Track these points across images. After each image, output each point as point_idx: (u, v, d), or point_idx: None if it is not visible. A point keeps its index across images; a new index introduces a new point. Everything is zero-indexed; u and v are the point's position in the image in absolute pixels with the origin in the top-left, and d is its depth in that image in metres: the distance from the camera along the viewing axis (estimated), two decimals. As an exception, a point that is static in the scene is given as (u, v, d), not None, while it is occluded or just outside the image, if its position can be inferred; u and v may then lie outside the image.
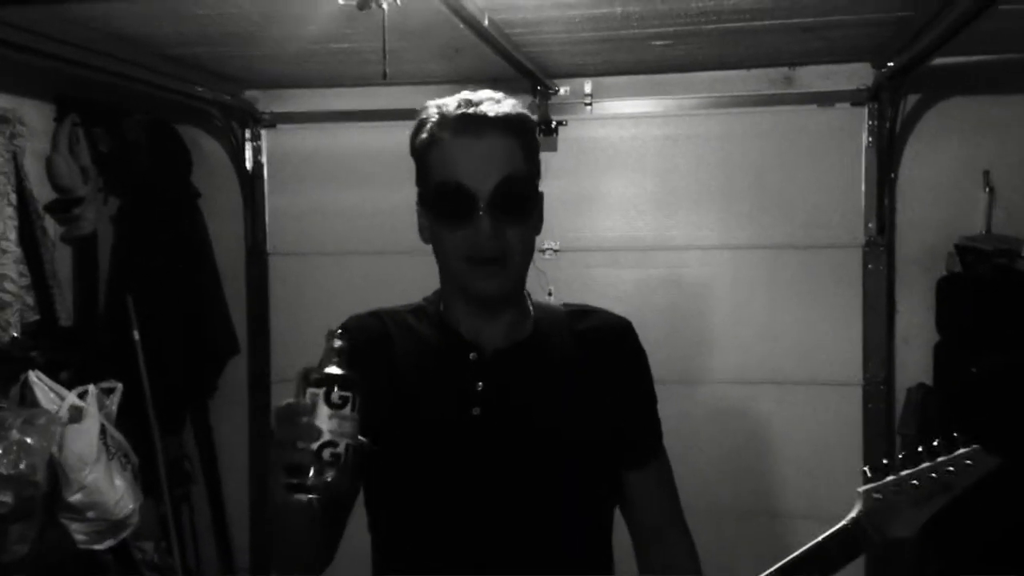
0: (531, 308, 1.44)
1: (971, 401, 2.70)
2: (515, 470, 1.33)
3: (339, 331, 1.17)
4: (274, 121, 3.56)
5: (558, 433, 1.35)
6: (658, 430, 1.48)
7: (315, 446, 1.10)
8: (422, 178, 1.38)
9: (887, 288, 3.15)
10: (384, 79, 2.20)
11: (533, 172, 1.38)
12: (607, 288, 3.31)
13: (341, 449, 1.11)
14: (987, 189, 3.05)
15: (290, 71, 3.25)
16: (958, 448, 1.22)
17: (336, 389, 1.12)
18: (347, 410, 1.12)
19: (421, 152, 1.36)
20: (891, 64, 2.86)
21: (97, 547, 2.64)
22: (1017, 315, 2.78)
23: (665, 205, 3.30)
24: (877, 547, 1.21)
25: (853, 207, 3.15)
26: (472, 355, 1.37)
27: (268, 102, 3.57)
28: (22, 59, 2.55)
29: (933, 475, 1.21)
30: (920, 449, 1.23)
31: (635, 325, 1.50)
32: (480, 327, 1.38)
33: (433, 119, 1.34)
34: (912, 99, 3.11)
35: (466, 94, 1.35)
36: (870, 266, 3.14)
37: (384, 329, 1.41)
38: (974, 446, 1.22)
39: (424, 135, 1.35)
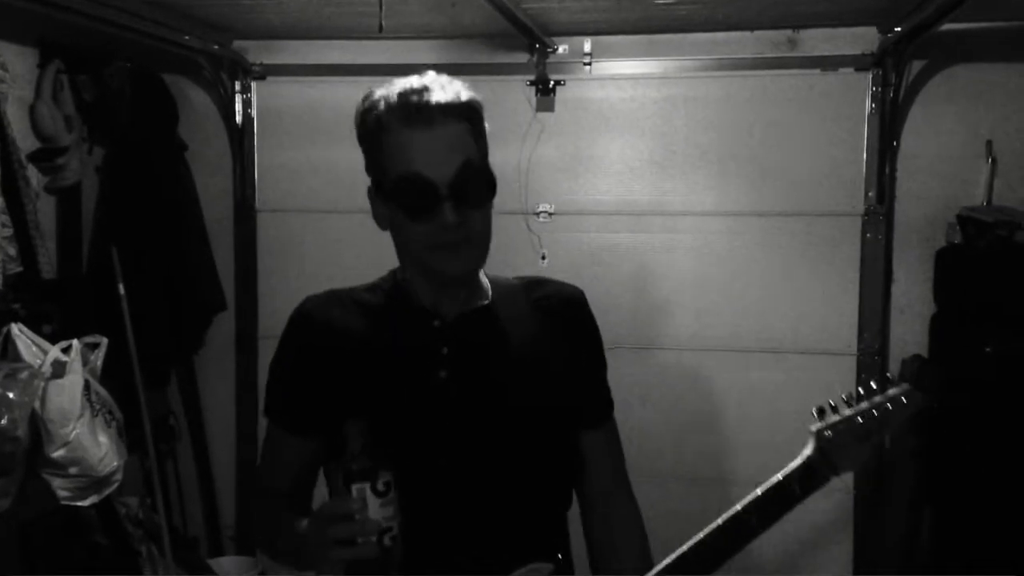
0: (486, 280, 1.49)
1: (984, 380, 2.68)
2: (483, 429, 1.38)
3: (356, 418, 1.22)
4: (265, 73, 3.48)
5: (521, 393, 1.41)
6: (609, 395, 1.55)
7: (375, 538, 1.18)
8: (375, 167, 1.39)
9: (885, 257, 3.12)
10: (380, 32, 2.14)
11: (486, 154, 1.40)
12: (601, 252, 3.27)
13: (397, 531, 1.20)
14: (989, 159, 3.02)
15: (282, 21, 3.17)
16: (891, 388, 1.36)
17: (379, 479, 1.19)
18: (391, 493, 1.19)
19: (371, 141, 1.37)
20: (898, 29, 2.80)
21: (80, 503, 2.61)
22: (1016, 288, 2.76)
23: (662, 169, 3.26)
24: (827, 480, 1.34)
25: (853, 175, 3.11)
26: (436, 322, 1.42)
27: (259, 53, 3.49)
28: (4, 1, 2.47)
29: (874, 412, 1.33)
30: (861, 390, 1.36)
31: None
32: (440, 298, 1.42)
33: (380, 108, 1.34)
34: (916, 65, 3.06)
35: (411, 80, 1.35)
36: (868, 235, 3.11)
37: (343, 305, 1.46)
38: (905, 385, 1.36)
39: (371, 123, 1.35)
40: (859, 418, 1.33)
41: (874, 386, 1.36)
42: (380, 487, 1.18)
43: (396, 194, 1.34)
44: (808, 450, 1.34)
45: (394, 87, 1.35)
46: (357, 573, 1.19)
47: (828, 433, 1.33)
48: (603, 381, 1.55)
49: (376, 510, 1.18)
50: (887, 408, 1.33)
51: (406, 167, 1.31)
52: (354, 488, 1.18)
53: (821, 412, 1.35)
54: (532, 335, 1.45)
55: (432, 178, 1.30)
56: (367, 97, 1.37)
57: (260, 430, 3.49)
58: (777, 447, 3.11)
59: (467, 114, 1.35)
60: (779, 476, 1.33)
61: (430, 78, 1.35)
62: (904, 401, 1.34)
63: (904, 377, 3.00)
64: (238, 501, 3.63)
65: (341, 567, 1.19)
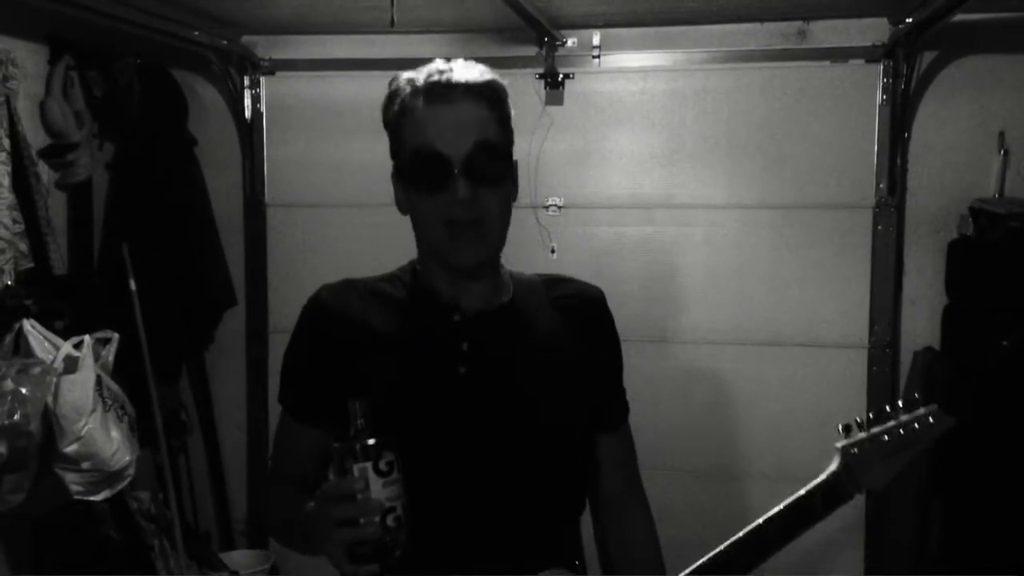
0: (508, 276, 1.48)
1: (1000, 374, 2.66)
2: (501, 427, 1.37)
3: (357, 399, 1.20)
4: (274, 68, 3.48)
5: (540, 393, 1.40)
6: (624, 398, 1.54)
7: (378, 518, 1.15)
8: (396, 148, 1.40)
9: (896, 250, 3.10)
10: (391, 26, 2.13)
11: (506, 139, 1.39)
12: (611, 246, 3.26)
13: (400, 511, 1.17)
14: (1002, 151, 3.00)
15: (291, 16, 3.16)
16: (919, 408, 1.35)
17: (382, 458, 1.16)
18: (394, 473, 1.17)
19: (394, 123, 1.38)
20: (909, 20, 2.78)
21: (93, 498, 2.62)
22: (1029, 280, 2.74)
23: (672, 162, 3.25)
24: (851, 497, 1.35)
25: (864, 167, 3.10)
26: (456, 317, 1.41)
27: (268, 48, 3.49)
28: (14, -2, 2.48)
29: (900, 431, 1.33)
30: (888, 408, 1.35)
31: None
32: (460, 292, 1.41)
33: (405, 90, 1.35)
34: (928, 57, 3.04)
35: (437, 63, 1.37)
36: (880, 227, 3.09)
37: (359, 296, 1.44)
38: (933, 406, 1.35)
39: (396, 106, 1.37)
40: (885, 436, 1.33)
41: (902, 405, 1.36)
42: (383, 467, 1.16)
43: (411, 168, 1.35)
44: (833, 466, 1.34)
45: (421, 71, 1.37)
46: (361, 554, 1.16)
47: (854, 450, 1.33)
48: (620, 384, 1.54)
49: (379, 490, 1.15)
50: (915, 428, 1.33)
51: (421, 141, 1.33)
52: (356, 468, 1.16)
53: (847, 429, 1.35)
54: (552, 334, 1.44)
55: (447, 153, 1.31)
56: (394, 80, 1.39)
57: (271, 425, 3.53)
58: (787, 440, 3.14)
59: (488, 94, 1.36)
60: (802, 491, 1.33)
61: (457, 63, 1.37)
62: (932, 422, 1.33)
63: (916, 370, 3.00)
64: (249, 495, 3.64)
65: (344, 549, 1.16)
